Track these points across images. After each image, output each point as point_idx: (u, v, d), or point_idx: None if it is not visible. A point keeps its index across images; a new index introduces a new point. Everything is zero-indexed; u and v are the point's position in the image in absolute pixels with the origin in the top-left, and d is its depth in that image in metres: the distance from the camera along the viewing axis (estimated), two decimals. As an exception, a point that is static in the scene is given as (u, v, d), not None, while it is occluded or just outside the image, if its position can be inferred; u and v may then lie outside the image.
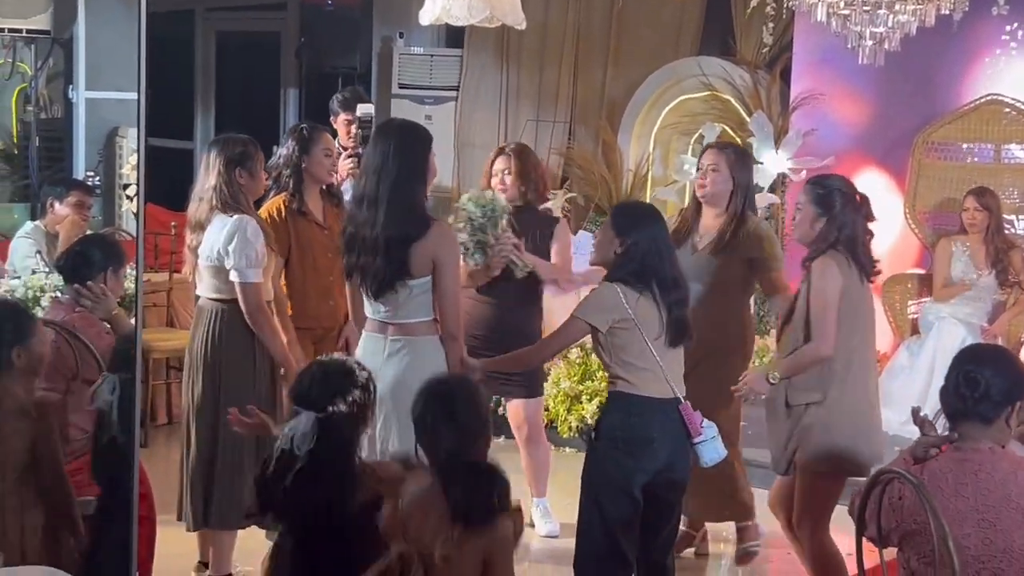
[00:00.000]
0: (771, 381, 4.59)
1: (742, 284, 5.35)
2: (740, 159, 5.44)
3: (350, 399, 3.45)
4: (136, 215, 3.46)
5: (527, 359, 4.60)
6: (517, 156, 5.77)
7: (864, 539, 3.34)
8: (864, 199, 4.67)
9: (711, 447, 4.31)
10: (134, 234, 8.34)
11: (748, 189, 5.41)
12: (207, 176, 4.91)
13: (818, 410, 4.54)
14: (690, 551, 5.67)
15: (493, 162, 5.80)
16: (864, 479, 4.57)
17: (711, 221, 5.37)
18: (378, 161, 4.41)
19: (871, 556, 3.52)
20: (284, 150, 5.49)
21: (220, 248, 4.81)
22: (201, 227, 4.92)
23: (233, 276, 4.83)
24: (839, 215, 4.55)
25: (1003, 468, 3.16)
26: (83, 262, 4.71)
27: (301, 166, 5.42)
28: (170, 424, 7.37)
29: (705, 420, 4.32)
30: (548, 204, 6.22)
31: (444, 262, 4.41)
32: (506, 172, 5.73)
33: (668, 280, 4.29)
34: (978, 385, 3.18)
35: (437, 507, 3.22)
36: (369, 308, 4.52)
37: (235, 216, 4.83)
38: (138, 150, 3.24)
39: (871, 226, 4.68)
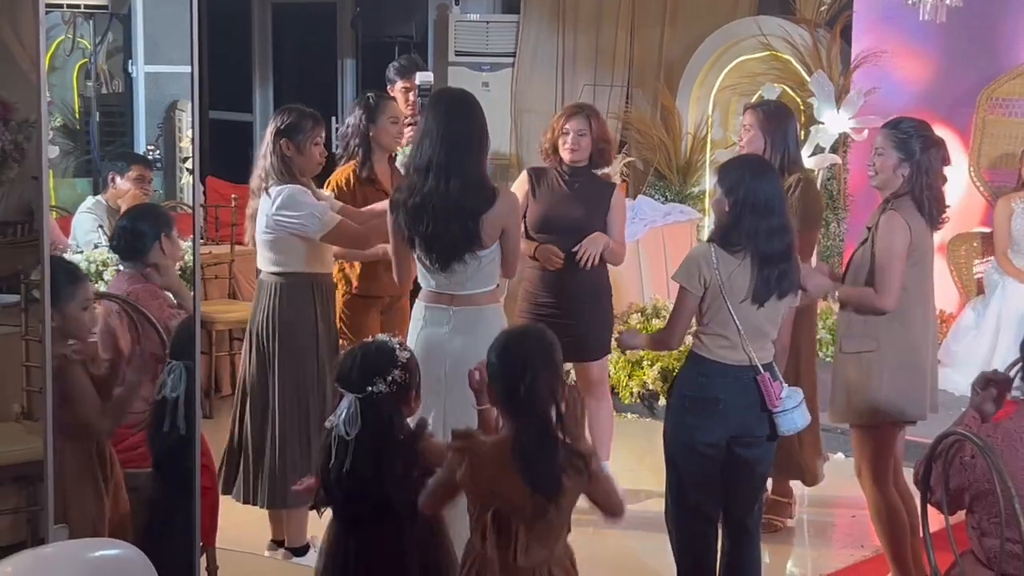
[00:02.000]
0: (830, 298, 4.55)
1: None
2: (772, 116, 5.37)
3: (390, 379, 3.45)
4: (192, 188, 3.48)
5: (667, 340, 4.52)
6: (596, 118, 5.72)
7: (930, 505, 3.31)
8: (941, 142, 4.64)
9: (789, 417, 4.26)
10: (199, 205, 8.45)
11: (784, 147, 5.33)
12: (262, 145, 4.95)
13: (872, 358, 4.54)
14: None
15: (566, 120, 5.68)
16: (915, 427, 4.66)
17: None
18: (440, 129, 4.35)
19: (936, 520, 3.49)
20: (352, 119, 5.53)
21: (271, 217, 4.81)
22: (255, 194, 4.94)
23: (314, 233, 4.79)
24: (921, 159, 4.53)
25: (1078, 430, 3.12)
26: (133, 235, 4.72)
27: (368, 134, 5.46)
28: (233, 395, 7.44)
29: (787, 389, 4.27)
30: (607, 168, 6.20)
31: (511, 230, 4.43)
32: (580, 133, 5.65)
33: (767, 232, 4.18)
34: None
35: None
36: (430, 280, 4.48)
37: (285, 186, 4.83)
38: (192, 123, 3.25)
39: (946, 171, 4.66)
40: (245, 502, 5.01)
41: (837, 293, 4.62)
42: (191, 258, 7.06)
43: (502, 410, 3.36)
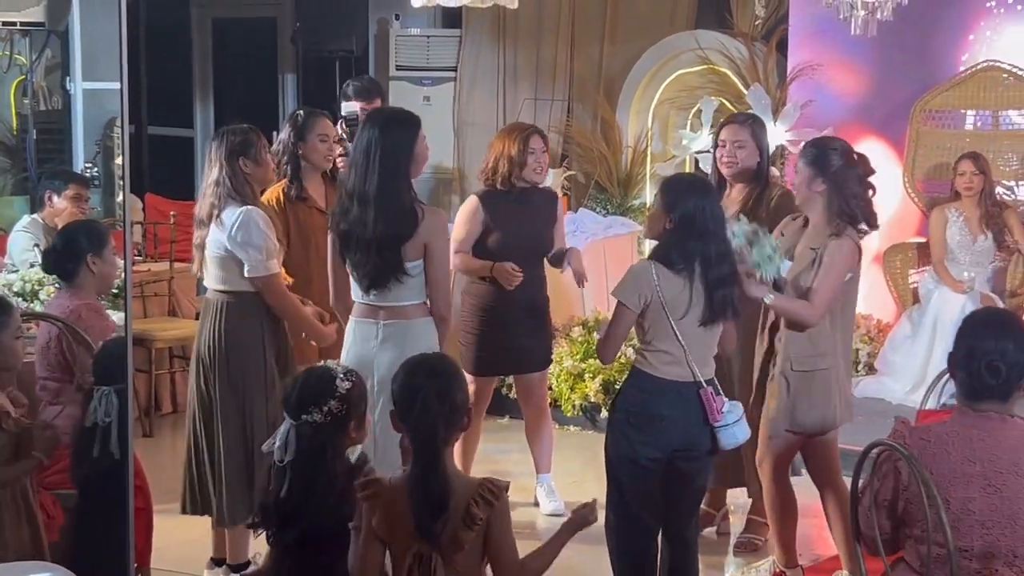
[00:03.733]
0: (767, 301, 4.62)
1: None
2: (762, 129, 5.44)
3: (325, 409, 3.39)
4: (123, 206, 3.45)
5: (601, 354, 4.53)
6: (545, 137, 5.81)
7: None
8: (861, 157, 4.73)
9: (730, 432, 4.30)
10: (138, 222, 8.39)
11: (769, 159, 5.47)
12: (210, 171, 4.88)
13: (829, 374, 4.68)
14: (711, 529, 5.68)
15: (529, 140, 5.67)
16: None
17: (736, 194, 5.34)
18: (363, 157, 4.38)
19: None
20: (283, 136, 5.48)
21: (229, 240, 4.77)
22: (204, 224, 4.89)
23: (249, 271, 4.77)
24: (835, 174, 4.61)
25: (1013, 436, 3.17)
26: (62, 254, 4.67)
27: (297, 152, 5.40)
28: (175, 413, 7.40)
29: (729, 403, 4.31)
30: (547, 182, 6.23)
31: (435, 248, 4.41)
32: (543, 151, 5.72)
33: (712, 257, 4.22)
34: (1000, 373, 3.18)
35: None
36: (358, 293, 4.50)
37: (243, 208, 4.78)
38: (122, 139, 3.25)
39: (872, 180, 4.73)
40: (195, 513, 5.00)
41: (773, 298, 4.65)
42: (136, 275, 7.03)
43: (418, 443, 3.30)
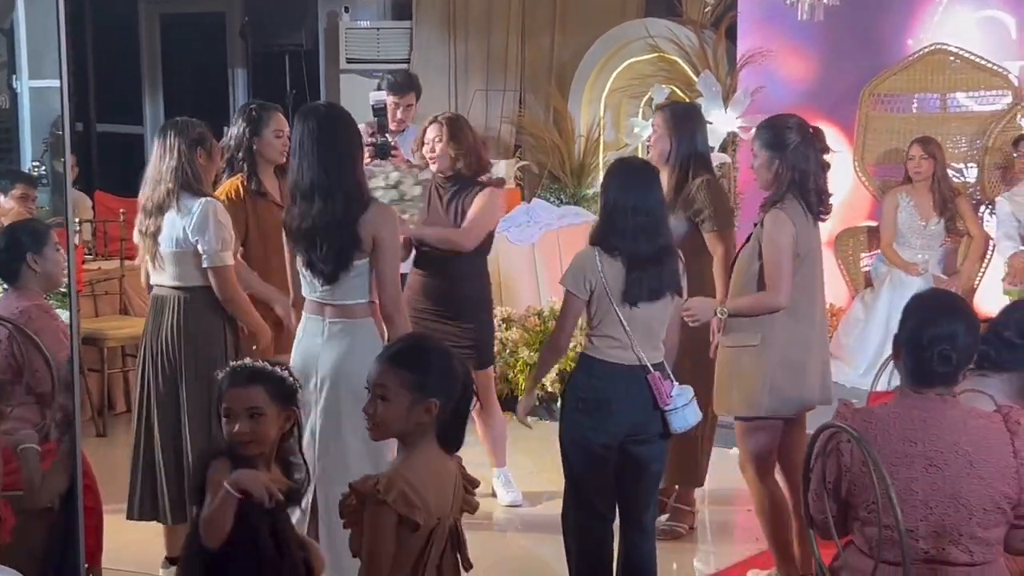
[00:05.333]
0: (719, 315, 4.64)
1: (690, 242, 5.24)
2: (678, 117, 5.38)
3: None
4: (65, 203, 3.41)
5: (556, 344, 4.51)
6: (448, 124, 5.65)
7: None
8: (817, 132, 4.70)
9: (680, 415, 4.31)
10: (87, 220, 8.31)
11: (690, 147, 5.32)
12: (166, 158, 4.86)
13: (754, 353, 4.60)
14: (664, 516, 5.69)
15: (425, 130, 5.69)
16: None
17: (665, 181, 5.36)
18: (302, 148, 4.35)
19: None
20: (235, 130, 5.42)
21: (189, 232, 4.79)
22: (159, 211, 4.88)
23: (206, 261, 4.81)
24: (792, 153, 4.59)
25: (952, 416, 3.17)
26: (3, 252, 4.60)
27: (252, 147, 5.35)
28: (129, 412, 7.32)
29: (678, 387, 4.32)
30: (500, 174, 6.20)
31: (383, 242, 4.35)
32: (437, 140, 5.63)
33: (645, 236, 4.23)
34: (951, 361, 3.18)
35: (450, 474, 3.16)
36: (307, 288, 4.48)
37: (202, 199, 4.81)
38: (63, 137, 3.21)
39: (830, 162, 4.73)
40: (143, 518, 4.96)
41: (726, 308, 4.65)
42: (86, 273, 6.97)
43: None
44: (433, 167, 5.65)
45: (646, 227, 4.26)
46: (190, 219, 4.80)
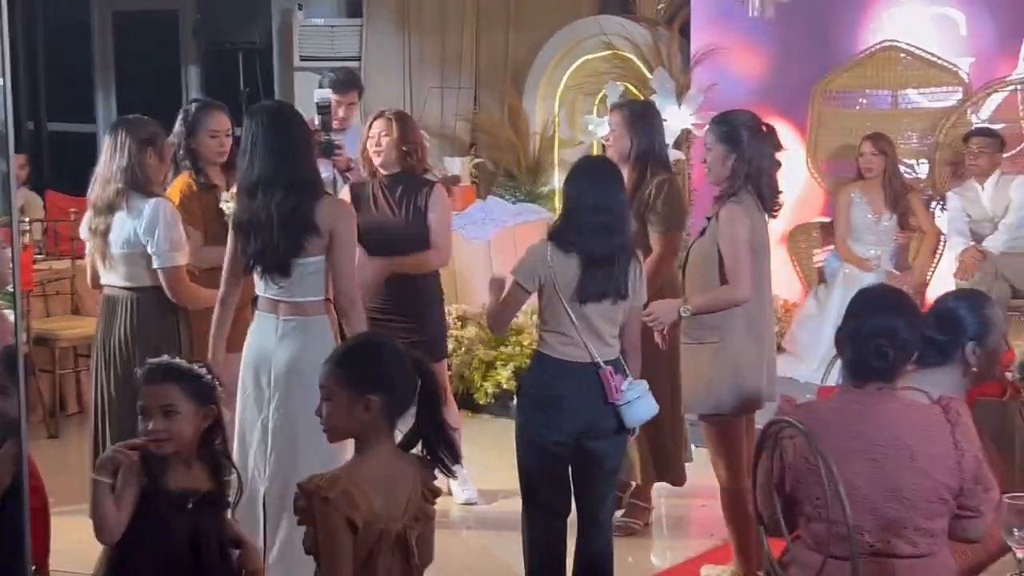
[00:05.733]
0: (682, 314, 4.64)
1: (645, 241, 5.27)
2: (636, 116, 5.40)
3: None
4: (9, 204, 3.36)
5: (490, 323, 4.55)
6: (397, 120, 5.60)
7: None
8: (770, 129, 4.71)
9: (632, 409, 4.30)
10: (38, 219, 8.24)
11: (649, 145, 5.35)
12: (116, 157, 4.85)
13: (715, 349, 4.62)
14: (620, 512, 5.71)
15: (371, 125, 5.61)
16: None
17: (626, 178, 5.38)
18: (253, 145, 4.33)
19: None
20: (177, 128, 5.41)
21: (141, 232, 4.78)
22: (109, 210, 4.86)
23: (156, 262, 4.80)
24: (747, 149, 4.60)
25: (893, 410, 3.19)
26: None
27: (191, 146, 5.32)
28: (81, 413, 7.28)
29: (631, 382, 4.30)
30: (456, 171, 6.18)
31: (340, 235, 4.35)
32: (383, 135, 5.56)
33: (600, 234, 4.23)
34: (887, 357, 3.20)
35: (405, 479, 3.11)
36: (261, 286, 4.46)
37: (153, 199, 4.80)
38: (6, 136, 3.16)
39: (783, 160, 4.76)
40: None
41: (690, 306, 4.64)
42: (37, 273, 6.90)
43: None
44: (377, 162, 5.58)
45: (606, 226, 4.25)
46: (140, 220, 4.79)
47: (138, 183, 4.81)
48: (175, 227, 4.82)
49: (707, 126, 4.81)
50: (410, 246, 5.54)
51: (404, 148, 5.55)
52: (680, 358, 4.84)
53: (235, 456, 4.40)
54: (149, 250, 4.80)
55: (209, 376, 3.34)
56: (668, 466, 5.57)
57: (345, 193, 5.65)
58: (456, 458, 3.21)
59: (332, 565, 2.99)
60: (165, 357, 3.37)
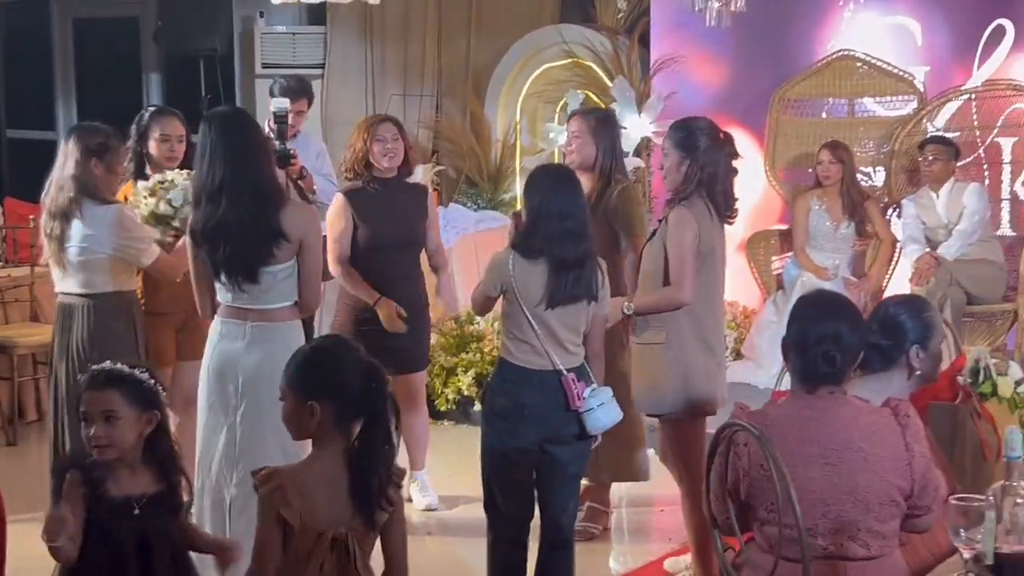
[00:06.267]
0: (625, 312, 4.68)
1: (613, 245, 5.37)
2: (601, 123, 5.50)
3: None
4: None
5: (475, 306, 4.57)
6: (400, 126, 5.73)
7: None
8: (728, 137, 4.75)
9: (594, 416, 4.32)
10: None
11: (612, 152, 5.46)
12: (67, 164, 4.86)
13: (661, 351, 4.64)
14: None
15: (376, 128, 5.63)
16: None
17: (587, 187, 5.42)
18: (211, 151, 4.33)
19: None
20: (132, 134, 5.43)
21: (103, 239, 4.80)
22: (64, 216, 4.86)
23: (142, 263, 4.91)
24: (701, 156, 4.63)
25: (845, 414, 3.24)
26: None
27: (141, 152, 5.37)
28: (40, 420, 7.24)
29: (593, 389, 4.33)
30: (418, 179, 6.23)
31: (308, 243, 4.36)
32: (395, 138, 5.63)
33: (563, 241, 4.25)
34: (835, 361, 3.25)
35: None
36: (227, 295, 4.43)
37: (111, 208, 4.82)
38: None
39: (740, 167, 4.81)
40: None
41: (631, 304, 4.68)
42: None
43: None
44: (388, 164, 5.62)
45: (573, 231, 4.29)
46: (99, 229, 4.80)
47: (90, 191, 4.83)
48: (135, 224, 4.88)
49: (665, 133, 4.86)
50: (411, 248, 5.70)
51: (405, 157, 5.70)
52: (633, 358, 4.88)
53: (197, 461, 4.42)
54: (129, 256, 4.85)
55: (151, 381, 3.34)
56: (624, 466, 5.62)
57: (342, 202, 5.64)
58: (388, 476, 3.15)
59: (256, 558, 3.02)
60: (108, 363, 3.36)
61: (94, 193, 4.82)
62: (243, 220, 4.28)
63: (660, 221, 4.73)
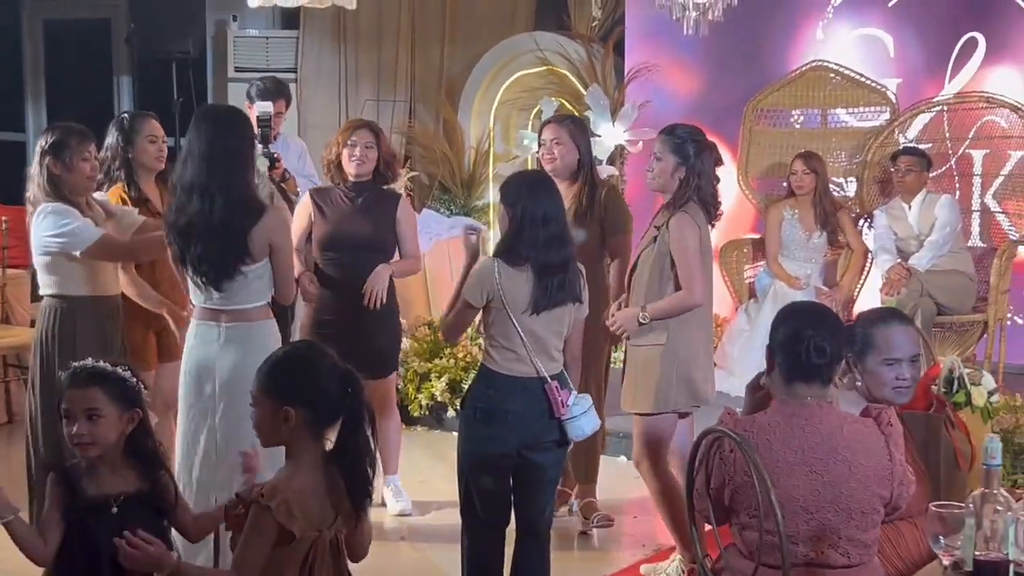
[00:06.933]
0: (641, 321, 4.81)
1: (598, 250, 5.47)
2: (580, 128, 5.65)
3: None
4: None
5: (447, 335, 4.60)
6: (380, 133, 5.76)
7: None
8: (713, 145, 4.91)
9: (576, 424, 4.35)
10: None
11: (590, 157, 5.61)
12: (32, 166, 4.87)
13: (663, 351, 4.79)
14: (564, 508, 5.78)
15: (351, 134, 5.66)
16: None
17: (571, 191, 5.47)
18: (203, 148, 4.34)
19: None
20: (109, 140, 5.40)
21: (46, 239, 4.76)
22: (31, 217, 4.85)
23: (82, 253, 4.75)
24: (696, 163, 4.79)
25: (830, 422, 3.27)
26: None
27: (128, 156, 5.35)
28: (11, 423, 7.21)
29: (575, 395, 4.36)
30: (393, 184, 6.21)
31: (279, 245, 4.41)
32: (368, 146, 5.65)
33: (548, 247, 4.27)
34: (826, 353, 3.28)
35: (335, 486, 3.12)
36: (200, 296, 4.45)
37: (46, 205, 4.77)
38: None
39: (719, 173, 4.94)
40: None
41: (648, 313, 4.80)
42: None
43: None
44: (357, 171, 5.63)
45: (557, 236, 4.32)
46: (41, 227, 4.78)
47: (44, 191, 4.80)
48: (67, 220, 4.73)
49: (657, 135, 4.96)
50: (376, 253, 5.65)
51: (385, 160, 5.70)
52: (628, 361, 4.97)
53: (179, 464, 4.41)
54: (62, 250, 4.77)
55: (133, 379, 3.34)
56: (591, 469, 5.71)
57: (306, 200, 5.69)
58: (366, 482, 3.17)
59: (244, 569, 3.00)
60: (89, 360, 3.35)
61: (48, 194, 4.78)
62: (211, 225, 4.30)
63: (659, 228, 4.83)
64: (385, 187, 5.85)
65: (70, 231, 4.74)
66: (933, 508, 2.96)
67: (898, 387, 3.75)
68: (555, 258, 4.30)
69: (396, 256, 5.78)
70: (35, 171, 4.81)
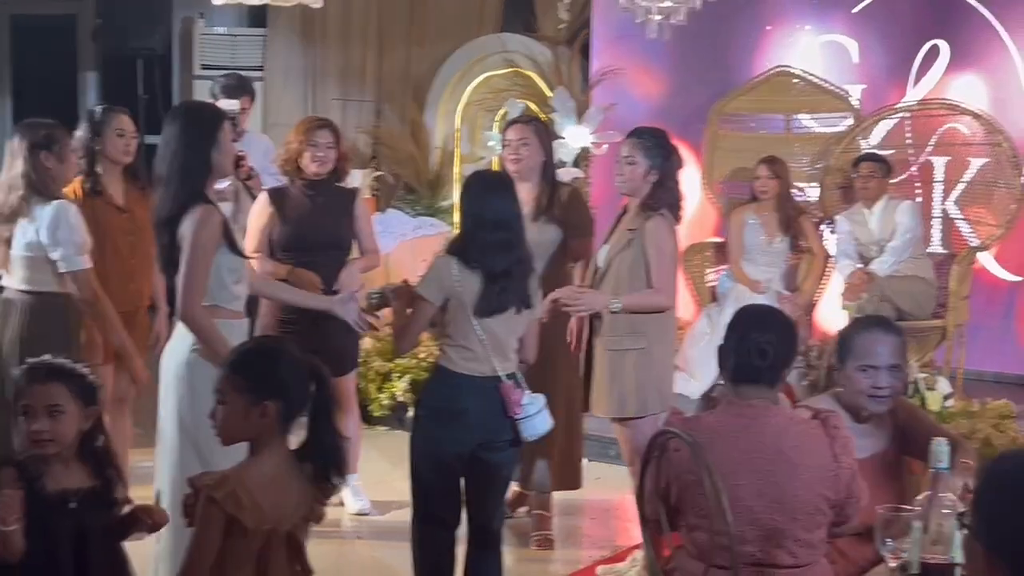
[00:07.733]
0: (612, 310, 4.84)
1: (560, 250, 5.48)
2: (543, 129, 5.69)
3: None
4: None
5: (398, 344, 4.62)
6: (336, 132, 5.74)
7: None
8: (676, 149, 5.00)
9: (530, 423, 4.36)
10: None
11: (553, 159, 5.66)
12: (16, 163, 4.84)
13: (639, 355, 4.85)
14: (523, 510, 5.79)
15: (312, 133, 5.62)
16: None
17: (525, 194, 5.45)
18: (164, 146, 4.31)
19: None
20: (80, 133, 5.41)
21: (44, 237, 4.76)
22: (13, 216, 4.85)
23: (63, 266, 4.78)
24: (664, 165, 4.88)
25: (776, 423, 3.29)
26: None
27: (95, 149, 5.35)
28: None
29: (528, 395, 4.36)
30: (356, 184, 6.23)
31: (187, 241, 4.10)
32: (329, 146, 5.63)
33: (502, 249, 4.28)
34: (767, 355, 3.30)
35: (299, 480, 3.11)
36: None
37: (54, 202, 4.77)
38: None
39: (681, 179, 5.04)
40: None
41: (620, 304, 4.83)
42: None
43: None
44: (318, 170, 5.61)
45: (506, 241, 4.31)
46: (42, 224, 4.77)
47: (37, 187, 4.80)
48: (78, 229, 4.81)
49: (627, 138, 5.01)
50: (336, 251, 5.67)
51: (342, 159, 5.73)
52: (597, 364, 4.98)
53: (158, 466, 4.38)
54: (54, 255, 4.78)
55: (92, 376, 3.33)
56: (567, 475, 5.69)
57: (263, 199, 5.66)
58: (341, 471, 3.20)
59: (196, 562, 2.99)
60: (47, 357, 3.33)
61: (41, 189, 4.78)
62: (160, 216, 4.23)
63: (631, 230, 4.84)
64: (338, 184, 5.83)
65: (73, 242, 4.81)
66: (879, 511, 2.98)
67: (874, 395, 3.66)
68: (499, 264, 4.29)
69: (354, 252, 5.78)
70: (26, 169, 4.79)
